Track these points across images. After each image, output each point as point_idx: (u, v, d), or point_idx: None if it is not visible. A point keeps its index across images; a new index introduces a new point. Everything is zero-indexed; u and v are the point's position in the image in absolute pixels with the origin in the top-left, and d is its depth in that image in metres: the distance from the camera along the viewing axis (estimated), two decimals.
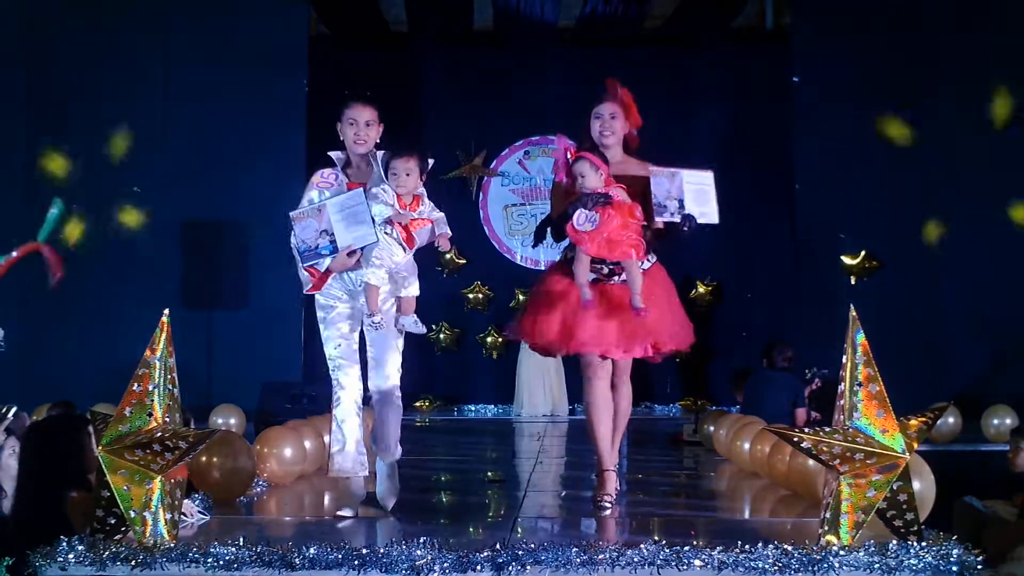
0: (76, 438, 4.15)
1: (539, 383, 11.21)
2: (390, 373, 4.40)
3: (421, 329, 4.48)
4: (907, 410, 3.57)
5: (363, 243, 4.28)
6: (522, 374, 11.32)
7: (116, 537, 3.53)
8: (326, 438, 5.02)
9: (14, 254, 7.50)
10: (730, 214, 13.03)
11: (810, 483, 4.43)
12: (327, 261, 4.30)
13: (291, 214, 4.34)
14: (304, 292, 4.46)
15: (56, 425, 4.52)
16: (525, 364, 11.26)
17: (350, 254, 4.28)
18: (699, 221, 4.56)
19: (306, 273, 4.37)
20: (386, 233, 4.33)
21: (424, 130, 12.37)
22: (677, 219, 4.57)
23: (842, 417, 3.50)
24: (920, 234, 10.03)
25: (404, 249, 4.39)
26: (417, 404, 11.83)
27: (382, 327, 4.35)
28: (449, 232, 4.49)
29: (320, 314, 4.47)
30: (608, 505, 4.54)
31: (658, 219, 4.57)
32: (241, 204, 9.93)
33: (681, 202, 4.57)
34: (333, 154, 4.53)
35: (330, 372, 4.46)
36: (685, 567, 3.31)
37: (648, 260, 4.64)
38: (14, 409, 4.73)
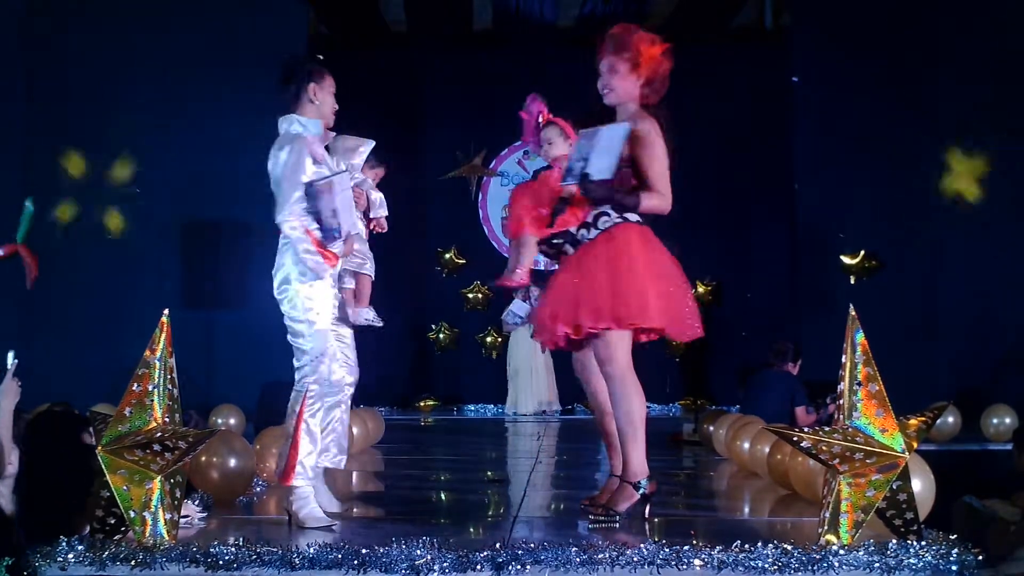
0: (74, 435, 4.15)
1: (527, 382, 11.21)
2: (357, 371, 4.30)
3: (380, 322, 4.33)
4: (907, 410, 3.57)
5: (354, 230, 4.15)
6: (509, 372, 11.33)
7: (116, 537, 3.53)
8: (306, 441, 4.16)
9: (0, 252, 7.52)
10: (730, 214, 13.10)
11: (810, 483, 4.42)
12: (339, 245, 4.02)
13: (316, 184, 3.94)
14: (321, 276, 4.04)
15: (54, 421, 4.52)
16: (512, 362, 11.27)
17: (345, 240, 4.06)
18: (594, 177, 4.06)
19: (318, 255, 3.98)
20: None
21: (423, 130, 12.40)
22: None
23: (841, 416, 3.51)
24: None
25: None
26: (417, 404, 11.86)
27: (380, 323, 4.25)
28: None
29: (316, 303, 4.06)
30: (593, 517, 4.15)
31: (563, 184, 4.17)
32: (241, 204, 9.92)
33: (588, 161, 4.13)
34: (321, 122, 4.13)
35: (316, 369, 4.07)
36: (685, 567, 3.31)
37: (596, 228, 4.17)
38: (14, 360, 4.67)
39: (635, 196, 4.12)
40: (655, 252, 4.16)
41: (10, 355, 4.42)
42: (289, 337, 4.16)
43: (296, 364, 4.15)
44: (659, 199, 4.12)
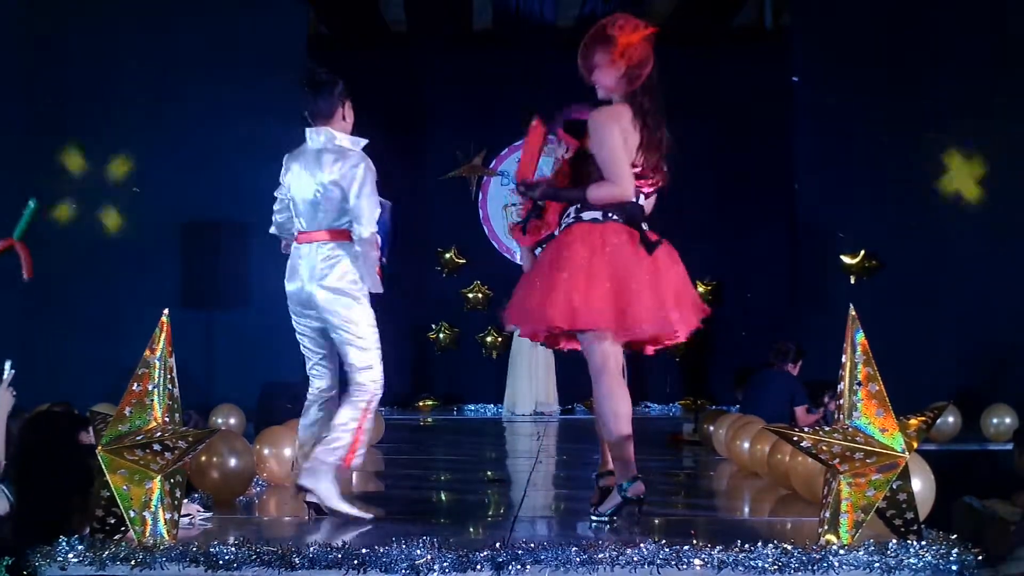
0: (70, 434, 4.15)
1: (526, 382, 11.21)
2: None
3: None
4: (907, 409, 3.57)
5: None
6: (509, 371, 11.33)
7: (116, 537, 3.53)
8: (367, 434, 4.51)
9: None
10: (730, 214, 13.06)
11: (810, 482, 4.42)
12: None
13: (383, 201, 4.33)
14: (379, 289, 4.36)
15: (51, 420, 4.52)
16: (513, 362, 11.28)
17: None
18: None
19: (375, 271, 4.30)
20: None
21: (423, 130, 12.40)
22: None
23: (842, 416, 3.51)
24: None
25: None
26: (417, 404, 11.86)
27: None
28: None
29: (374, 315, 4.36)
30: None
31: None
32: (241, 204, 9.91)
33: None
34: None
35: (381, 370, 4.39)
36: (685, 566, 3.31)
37: (560, 229, 4.25)
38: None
39: (579, 189, 4.09)
40: (603, 250, 4.05)
41: (7, 365, 4.39)
42: (354, 340, 4.31)
43: (359, 365, 4.32)
44: (609, 187, 4.05)
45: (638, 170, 4.11)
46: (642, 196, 4.21)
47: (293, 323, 4.47)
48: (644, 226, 4.19)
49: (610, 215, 4.10)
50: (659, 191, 4.29)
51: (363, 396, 4.33)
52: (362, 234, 4.22)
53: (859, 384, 3.46)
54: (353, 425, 4.30)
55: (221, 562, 3.35)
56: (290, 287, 4.39)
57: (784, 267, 11.30)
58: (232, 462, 4.76)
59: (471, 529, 4.17)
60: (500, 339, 12.13)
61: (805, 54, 10.45)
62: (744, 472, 5.92)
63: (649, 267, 4.07)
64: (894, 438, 3.42)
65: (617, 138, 4.06)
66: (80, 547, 3.43)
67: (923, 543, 3.38)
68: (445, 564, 3.31)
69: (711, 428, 7.10)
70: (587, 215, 4.12)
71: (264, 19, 10.18)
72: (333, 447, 4.25)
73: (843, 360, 3.49)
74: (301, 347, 4.50)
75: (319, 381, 4.44)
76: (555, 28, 11.74)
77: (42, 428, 4.35)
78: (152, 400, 3.55)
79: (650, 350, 4.32)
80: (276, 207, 4.52)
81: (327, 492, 4.24)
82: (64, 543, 3.44)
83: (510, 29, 12.00)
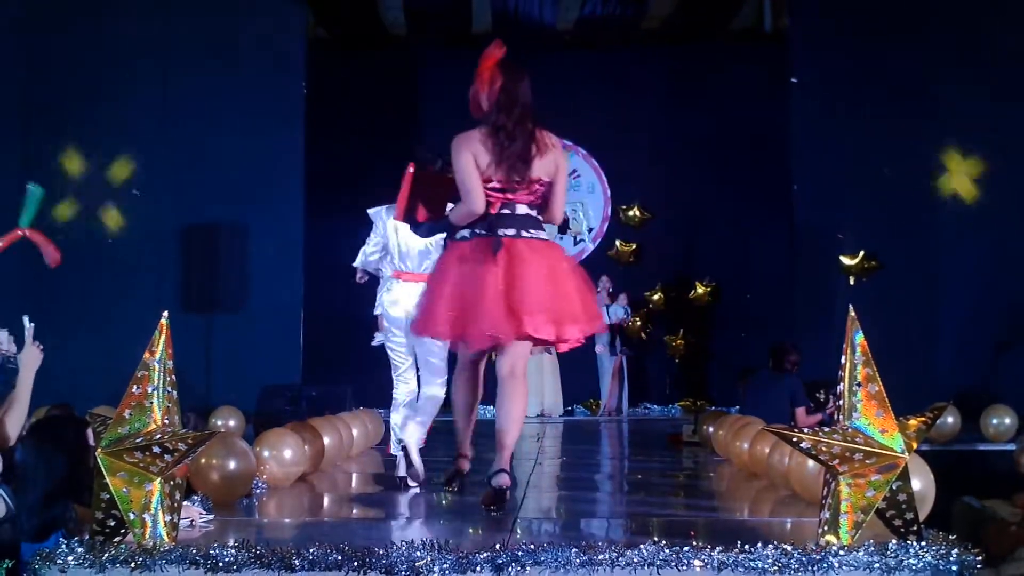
0: (77, 438, 4.15)
1: (532, 384, 11.19)
2: None
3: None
4: (906, 410, 3.57)
5: None
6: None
7: (115, 539, 3.52)
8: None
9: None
10: (729, 215, 13.08)
11: (809, 483, 4.42)
12: None
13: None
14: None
15: (58, 424, 4.52)
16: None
17: None
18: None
19: None
20: None
21: (422, 133, 12.40)
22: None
23: (841, 417, 3.50)
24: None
25: None
26: None
27: None
28: None
29: None
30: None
31: None
32: (240, 206, 9.93)
33: None
34: None
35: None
36: (685, 567, 3.30)
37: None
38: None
39: (447, 217, 4.46)
40: (462, 264, 4.36)
41: (25, 319, 4.33)
42: (436, 352, 5.42)
43: (439, 374, 5.57)
44: (461, 206, 4.35)
45: (496, 184, 4.32)
46: (524, 207, 4.39)
47: (391, 342, 5.48)
48: (529, 233, 4.38)
49: (476, 231, 4.38)
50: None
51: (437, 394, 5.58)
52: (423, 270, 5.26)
53: (859, 385, 3.45)
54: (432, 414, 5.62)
55: (221, 564, 3.35)
56: (395, 313, 5.35)
57: (784, 267, 11.31)
58: (232, 464, 4.75)
59: (471, 530, 4.17)
60: None
61: (803, 55, 10.46)
62: (744, 473, 5.92)
63: (504, 275, 4.31)
64: (894, 439, 3.42)
65: (464, 161, 4.33)
66: (80, 549, 3.43)
67: (923, 543, 3.37)
68: (445, 566, 3.30)
69: (711, 429, 7.09)
70: (459, 234, 4.45)
71: (263, 21, 10.20)
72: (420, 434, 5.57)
73: (843, 361, 3.49)
74: (393, 358, 5.54)
75: (408, 385, 5.60)
76: (555, 30, 11.75)
77: (42, 431, 4.35)
78: (152, 402, 3.54)
79: (563, 348, 4.77)
80: (371, 247, 5.44)
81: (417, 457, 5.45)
82: (64, 545, 3.44)
83: (509, 32, 12.00)
